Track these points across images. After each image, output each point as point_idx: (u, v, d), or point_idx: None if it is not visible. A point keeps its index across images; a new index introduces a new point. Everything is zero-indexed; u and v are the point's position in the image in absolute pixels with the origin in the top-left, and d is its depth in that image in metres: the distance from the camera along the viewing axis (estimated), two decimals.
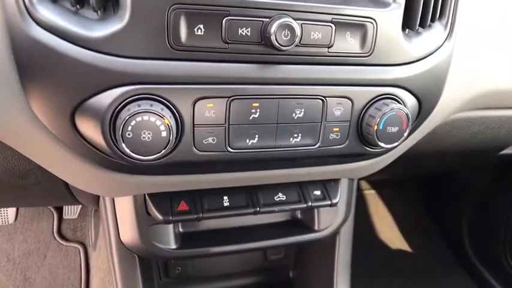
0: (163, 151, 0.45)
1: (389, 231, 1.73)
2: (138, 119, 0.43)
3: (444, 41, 0.58)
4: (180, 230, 0.68)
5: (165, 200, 0.60)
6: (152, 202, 0.60)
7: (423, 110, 0.61)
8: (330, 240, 0.78)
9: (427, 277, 1.58)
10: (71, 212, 1.42)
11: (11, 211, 1.40)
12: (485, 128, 0.86)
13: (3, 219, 1.39)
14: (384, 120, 0.54)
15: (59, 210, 1.45)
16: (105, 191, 0.60)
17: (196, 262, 0.85)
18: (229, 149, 0.50)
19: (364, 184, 1.78)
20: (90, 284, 1.32)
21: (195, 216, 0.60)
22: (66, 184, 0.71)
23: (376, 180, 1.75)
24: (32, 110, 0.47)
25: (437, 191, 1.79)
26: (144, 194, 0.61)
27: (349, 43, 0.50)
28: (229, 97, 0.47)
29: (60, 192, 0.75)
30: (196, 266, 0.85)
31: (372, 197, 1.79)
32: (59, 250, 1.41)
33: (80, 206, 1.41)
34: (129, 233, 0.63)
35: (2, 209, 1.39)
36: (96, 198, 0.77)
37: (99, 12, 0.43)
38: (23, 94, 0.46)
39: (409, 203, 1.81)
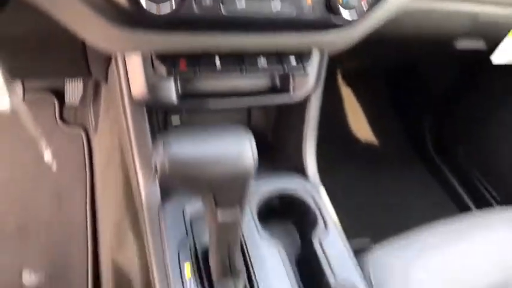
0: (168, 6, 0.58)
1: (357, 122, 1.92)
2: None
3: None
4: (179, 90, 0.83)
5: (168, 60, 0.74)
6: (158, 59, 0.73)
7: None
8: (302, 107, 0.94)
9: (387, 166, 1.79)
10: (73, 97, 1.55)
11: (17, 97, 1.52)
12: (443, 16, 1.00)
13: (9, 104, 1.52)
14: None
15: (61, 98, 1.58)
16: (119, 46, 0.73)
17: (190, 119, 1.01)
18: (222, 9, 0.63)
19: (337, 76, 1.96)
20: (93, 163, 1.50)
21: (193, 71, 0.74)
22: (83, 51, 0.84)
23: (348, 73, 1.90)
24: None
25: (405, 87, 1.95)
26: (151, 55, 0.74)
27: None
28: None
29: (76, 59, 0.88)
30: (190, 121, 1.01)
31: (344, 88, 1.95)
32: (62, 134, 1.57)
33: (81, 92, 1.53)
34: (138, 87, 0.77)
35: (6, 96, 1.51)
36: (106, 68, 0.90)
37: None
38: None
39: (378, 97, 1.98)
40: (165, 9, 0.58)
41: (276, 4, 0.66)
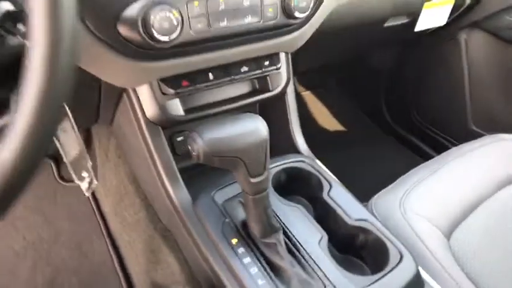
0: (175, 34, 0.76)
1: (326, 119, 2.17)
2: (161, 14, 0.73)
3: None
4: (183, 106, 0.99)
5: (172, 81, 0.91)
6: (164, 83, 0.90)
7: None
8: (282, 100, 1.13)
9: (356, 142, 2.06)
10: (69, 154, 1.66)
11: None
12: (371, 3, 1.24)
13: None
14: None
15: (55, 159, 1.69)
16: (135, 79, 0.89)
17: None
18: (211, 29, 0.82)
19: (300, 88, 2.21)
20: (102, 209, 1.61)
21: (193, 86, 0.92)
22: (98, 97, 0.99)
23: (310, 82, 2.18)
24: (86, 24, 0.75)
25: (359, 80, 2.25)
26: (158, 81, 0.91)
27: None
28: None
29: (90, 107, 1.03)
30: None
31: (308, 96, 2.22)
32: (65, 190, 1.67)
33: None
34: (151, 109, 0.93)
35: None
36: (115, 108, 1.05)
37: None
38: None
39: (338, 96, 2.27)
40: (173, 36, 0.76)
41: (248, 18, 0.86)
